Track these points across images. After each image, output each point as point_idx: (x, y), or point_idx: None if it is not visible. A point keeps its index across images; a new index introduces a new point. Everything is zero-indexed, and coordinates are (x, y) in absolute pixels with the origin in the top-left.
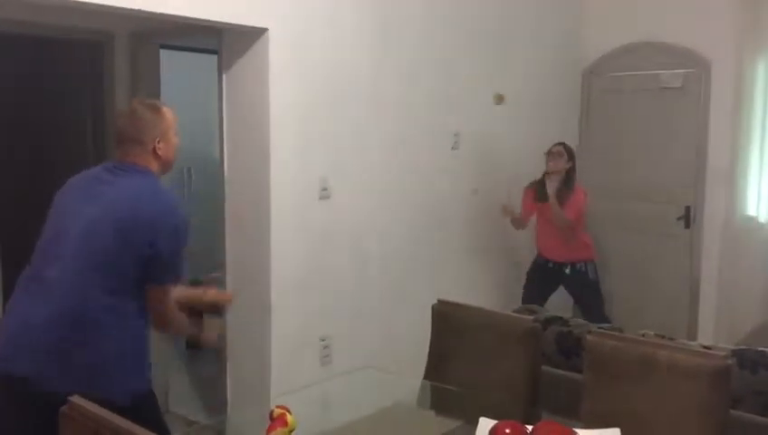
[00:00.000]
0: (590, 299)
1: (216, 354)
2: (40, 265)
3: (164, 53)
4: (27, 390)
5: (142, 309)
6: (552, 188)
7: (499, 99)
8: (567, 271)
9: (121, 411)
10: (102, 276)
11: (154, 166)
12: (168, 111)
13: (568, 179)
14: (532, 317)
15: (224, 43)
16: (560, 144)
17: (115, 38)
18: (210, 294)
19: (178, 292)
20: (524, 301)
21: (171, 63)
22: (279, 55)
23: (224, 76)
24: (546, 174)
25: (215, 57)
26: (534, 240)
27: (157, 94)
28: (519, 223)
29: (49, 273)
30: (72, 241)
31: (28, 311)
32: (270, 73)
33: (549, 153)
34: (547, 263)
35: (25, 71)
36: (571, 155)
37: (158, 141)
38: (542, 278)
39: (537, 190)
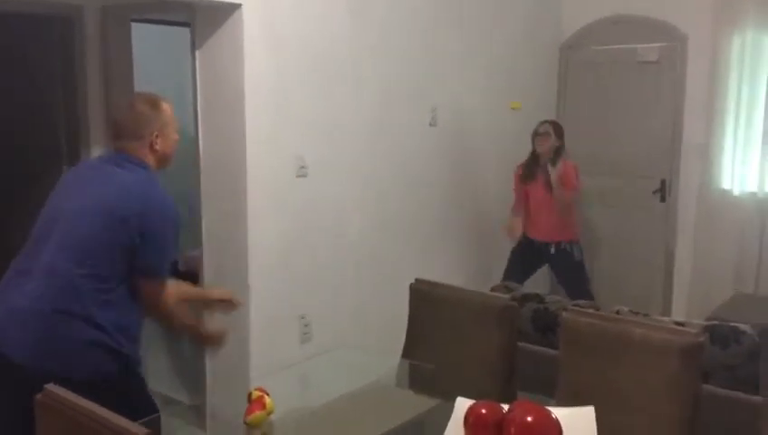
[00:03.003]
0: (574, 279)
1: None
2: (30, 253)
3: (136, 27)
4: (13, 370)
5: (132, 296)
6: (547, 174)
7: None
8: (552, 250)
9: (106, 389)
10: (90, 265)
11: (150, 160)
12: (167, 107)
13: (557, 157)
14: (508, 296)
15: (197, 19)
16: (546, 122)
17: (85, 12)
18: (216, 292)
19: (183, 289)
20: (505, 278)
21: (143, 37)
22: (253, 31)
23: (197, 53)
24: (533, 154)
25: (188, 30)
26: (518, 221)
27: (129, 69)
28: (516, 209)
29: (39, 261)
30: (60, 230)
31: (16, 296)
32: (244, 50)
33: (535, 134)
34: (532, 242)
35: None
36: (559, 133)
37: (156, 136)
38: (526, 257)
39: (523, 171)
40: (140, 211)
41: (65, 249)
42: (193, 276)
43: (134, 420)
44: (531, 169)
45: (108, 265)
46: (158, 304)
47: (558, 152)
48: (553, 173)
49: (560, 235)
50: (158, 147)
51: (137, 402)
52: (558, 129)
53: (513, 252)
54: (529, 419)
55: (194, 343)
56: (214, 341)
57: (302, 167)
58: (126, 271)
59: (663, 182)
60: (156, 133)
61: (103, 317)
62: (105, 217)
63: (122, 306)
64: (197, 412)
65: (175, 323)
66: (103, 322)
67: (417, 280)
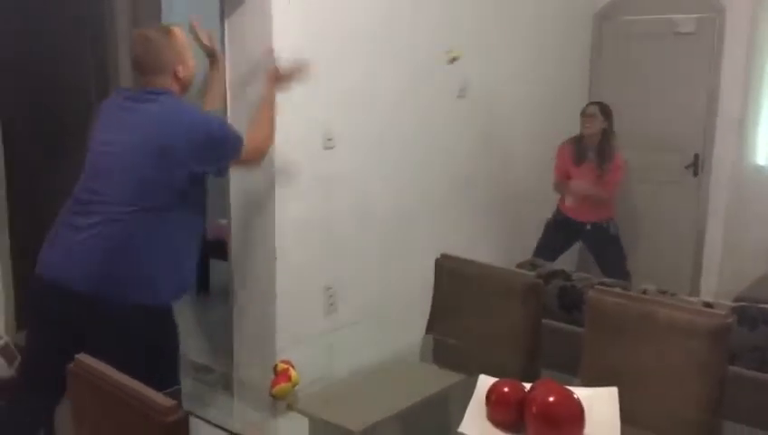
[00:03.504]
0: (610, 255)
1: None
2: (82, 199)
3: None
4: (71, 298)
5: (186, 219)
6: (594, 160)
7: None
8: (588, 227)
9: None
10: (143, 201)
11: (175, 88)
12: (179, 32)
13: (605, 140)
14: (534, 272)
15: None
16: (593, 104)
17: None
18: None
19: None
20: (537, 254)
21: (173, 4)
22: (282, 1)
23: (226, 22)
24: (582, 135)
25: None
26: (551, 192)
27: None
28: (559, 186)
29: (92, 205)
30: (108, 173)
31: (74, 233)
32: (273, 20)
33: (583, 115)
34: (569, 219)
35: (24, 13)
36: (606, 114)
37: (177, 64)
38: (560, 233)
39: (574, 152)
40: (185, 135)
41: (117, 190)
42: (221, 245)
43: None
44: (582, 152)
45: (161, 196)
46: (255, 162)
47: (605, 135)
48: (582, 189)
49: (597, 215)
50: (180, 75)
51: (165, 357)
52: (605, 109)
53: (548, 226)
54: (551, 398)
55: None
56: (281, 77)
57: (330, 139)
58: (179, 194)
59: (696, 157)
60: (176, 62)
61: (158, 251)
62: (153, 153)
63: (178, 238)
64: (227, 380)
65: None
66: (158, 255)
67: (442, 255)
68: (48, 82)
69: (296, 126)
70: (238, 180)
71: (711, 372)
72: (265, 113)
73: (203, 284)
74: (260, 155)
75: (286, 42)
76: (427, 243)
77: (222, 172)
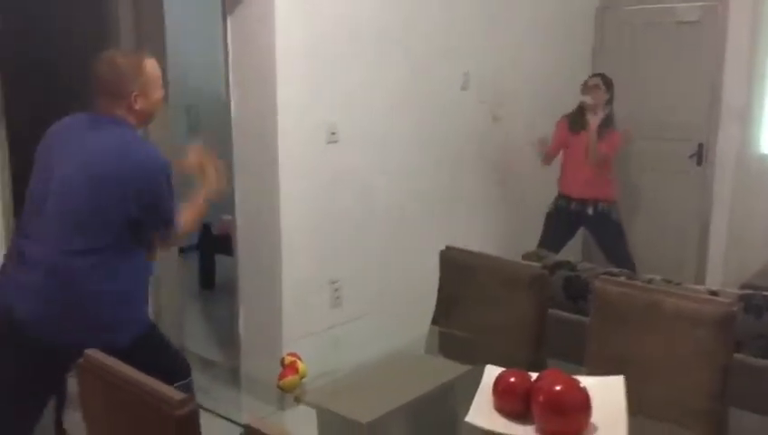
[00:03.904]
0: (613, 240)
1: (229, 295)
2: (25, 225)
3: None
4: (29, 341)
5: (131, 258)
6: (594, 121)
7: (495, 117)
8: (590, 212)
9: (125, 355)
10: (82, 234)
11: (131, 119)
12: (150, 64)
13: (608, 116)
14: (539, 263)
15: None
16: (596, 75)
17: None
18: (189, 160)
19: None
20: (541, 245)
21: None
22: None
23: (228, 19)
24: (583, 106)
25: None
26: (555, 183)
27: (161, 29)
28: (548, 157)
29: (32, 233)
30: (48, 201)
31: (21, 271)
32: (275, 16)
33: (585, 86)
34: (569, 204)
35: (28, 11)
36: (609, 86)
37: (136, 96)
38: (563, 221)
39: (571, 121)
40: (131, 174)
41: (54, 220)
42: (226, 240)
43: (166, 381)
44: (577, 121)
45: (101, 233)
46: (172, 242)
47: (608, 104)
48: (594, 121)
49: (597, 191)
50: (137, 106)
51: (162, 364)
52: (607, 81)
53: (549, 217)
54: (557, 388)
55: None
56: (215, 191)
57: (333, 133)
58: (119, 234)
59: (700, 146)
60: (136, 93)
61: (106, 289)
62: (91, 185)
63: (123, 273)
64: (233, 374)
65: (187, 232)
66: (107, 293)
67: (447, 247)
68: (50, 83)
69: (299, 120)
70: (243, 176)
71: (717, 360)
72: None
73: (209, 279)
74: (171, 245)
75: (289, 38)
76: (432, 235)
77: (151, 225)
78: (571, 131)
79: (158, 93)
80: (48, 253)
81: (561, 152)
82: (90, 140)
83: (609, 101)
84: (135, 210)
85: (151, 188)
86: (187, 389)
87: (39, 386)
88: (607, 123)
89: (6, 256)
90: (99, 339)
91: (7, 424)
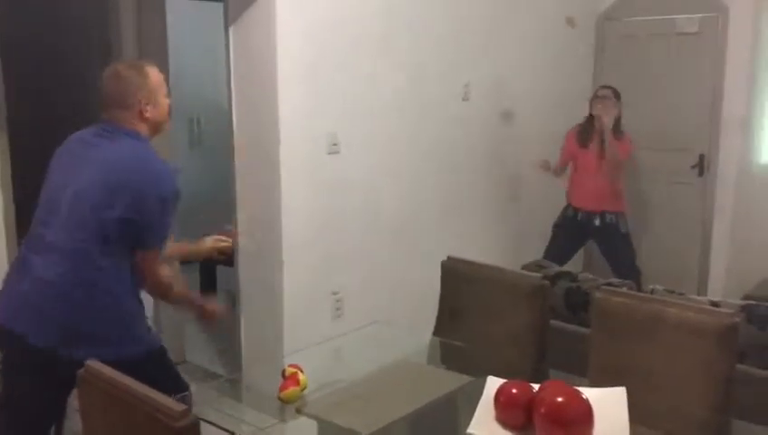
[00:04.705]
0: (620, 251)
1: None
2: (37, 233)
3: (170, 1)
4: (28, 347)
5: (132, 274)
6: (607, 124)
7: (570, 22)
8: (597, 223)
9: (131, 370)
10: (95, 241)
11: (143, 128)
12: (153, 72)
13: (617, 124)
14: (540, 274)
15: None
16: (605, 87)
17: None
18: (206, 244)
19: (171, 249)
20: (547, 256)
21: (178, 10)
22: (286, 8)
23: (230, 29)
24: (592, 117)
25: (221, 5)
26: (561, 193)
27: (164, 42)
28: (557, 171)
29: (46, 240)
30: (63, 208)
31: (28, 281)
32: (277, 26)
33: (595, 97)
34: (576, 214)
35: (32, 18)
36: (618, 97)
37: (145, 104)
38: (570, 232)
39: (579, 133)
40: (139, 186)
41: (69, 226)
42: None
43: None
44: (587, 133)
45: (112, 236)
46: (153, 275)
47: (617, 118)
48: (607, 124)
49: (607, 204)
50: (148, 114)
51: (166, 382)
52: (617, 93)
53: (556, 228)
54: (559, 399)
55: (193, 317)
56: (212, 315)
57: (335, 144)
58: (126, 243)
59: (701, 157)
60: (145, 100)
61: (116, 295)
62: (105, 191)
63: (131, 280)
64: (235, 385)
65: (172, 295)
66: (116, 299)
67: (449, 257)
68: (56, 109)
69: (301, 130)
70: (243, 186)
71: (719, 371)
72: (175, 291)
73: (210, 290)
74: (151, 279)
75: (290, 48)
76: (434, 246)
77: (141, 240)
78: (580, 144)
79: (165, 100)
80: (63, 258)
81: (570, 164)
82: (104, 149)
83: (619, 113)
84: (133, 220)
85: (156, 202)
86: (186, 401)
87: (52, 409)
88: (616, 130)
89: (12, 269)
90: (107, 352)
91: None
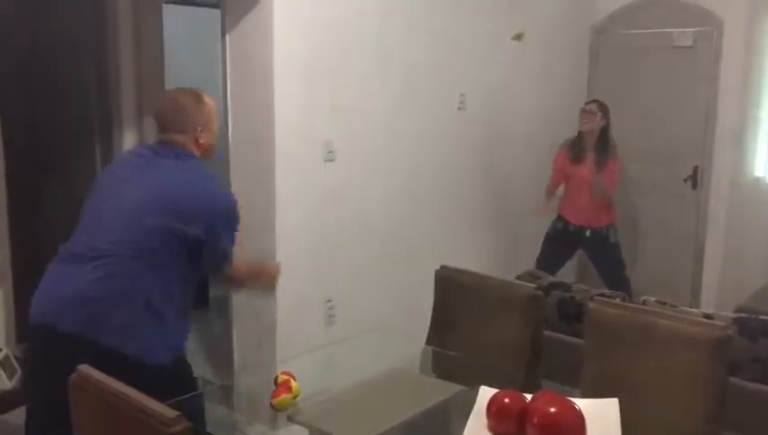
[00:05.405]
0: (610, 262)
1: (223, 312)
2: (85, 240)
3: (167, 8)
4: (57, 335)
5: (187, 287)
6: (588, 139)
7: (518, 36)
8: (587, 233)
9: (158, 377)
10: (150, 255)
11: (196, 152)
12: (209, 100)
13: (603, 139)
14: (534, 284)
15: (226, 2)
16: (593, 101)
17: None
18: (273, 267)
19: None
20: (539, 266)
21: (174, 18)
22: (283, 16)
23: (227, 36)
24: (580, 133)
25: (218, 12)
26: (548, 204)
27: (160, 48)
28: (550, 191)
29: (95, 249)
30: (119, 221)
31: (70, 280)
32: (274, 35)
33: (582, 112)
34: (567, 226)
35: (27, 25)
36: (605, 112)
37: (201, 131)
38: (560, 242)
39: (570, 150)
40: (205, 205)
41: (124, 237)
42: None
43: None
44: (579, 150)
45: (167, 254)
46: (228, 278)
47: (604, 132)
48: (598, 179)
49: (598, 219)
50: (203, 141)
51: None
52: (603, 108)
53: (547, 238)
54: (552, 409)
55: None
56: (276, 273)
57: (330, 151)
58: (182, 261)
59: (695, 169)
60: (200, 127)
61: (162, 306)
62: (167, 210)
63: (177, 296)
64: (227, 392)
65: (245, 285)
66: (162, 310)
67: (442, 267)
68: (53, 121)
69: (297, 138)
70: (239, 193)
71: (711, 383)
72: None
73: (202, 297)
74: (225, 281)
75: (287, 56)
76: (427, 255)
77: (214, 257)
78: (571, 162)
79: (216, 129)
80: (115, 269)
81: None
82: (163, 169)
83: (606, 127)
84: (201, 240)
85: (224, 224)
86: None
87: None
88: (604, 152)
89: (50, 275)
90: (142, 342)
91: None
